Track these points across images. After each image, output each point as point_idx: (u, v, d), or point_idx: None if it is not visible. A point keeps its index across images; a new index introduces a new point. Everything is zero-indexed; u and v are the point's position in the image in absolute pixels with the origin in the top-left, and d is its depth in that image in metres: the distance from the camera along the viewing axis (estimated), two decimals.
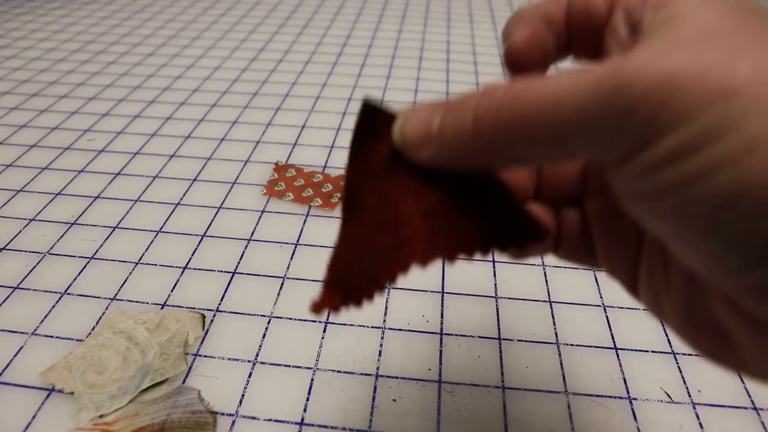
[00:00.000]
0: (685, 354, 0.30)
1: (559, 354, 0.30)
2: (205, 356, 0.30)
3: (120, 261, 0.36)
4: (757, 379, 0.13)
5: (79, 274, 0.35)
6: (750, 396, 0.28)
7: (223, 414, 0.27)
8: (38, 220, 0.39)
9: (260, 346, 0.30)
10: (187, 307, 0.33)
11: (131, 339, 0.30)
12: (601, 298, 0.34)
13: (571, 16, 0.16)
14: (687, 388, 0.28)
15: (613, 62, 0.11)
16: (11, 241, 0.37)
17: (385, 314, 0.32)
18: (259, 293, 0.34)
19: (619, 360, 0.30)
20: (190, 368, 0.29)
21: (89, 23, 0.75)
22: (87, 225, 0.39)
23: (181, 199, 0.42)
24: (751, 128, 0.10)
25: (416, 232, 0.16)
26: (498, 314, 0.32)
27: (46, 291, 0.33)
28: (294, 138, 0.50)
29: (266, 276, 0.35)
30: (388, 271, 0.15)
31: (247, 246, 0.37)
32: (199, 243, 0.37)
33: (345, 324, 0.32)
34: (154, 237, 0.38)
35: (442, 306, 0.33)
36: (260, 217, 0.40)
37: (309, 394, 0.28)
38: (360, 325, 0.32)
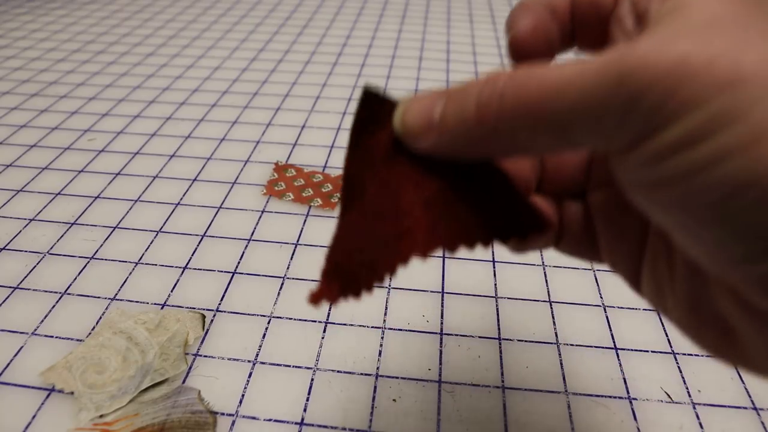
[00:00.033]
0: (685, 354, 0.30)
1: (559, 354, 0.30)
2: (205, 356, 0.30)
3: (120, 261, 0.36)
4: (760, 375, 0.13)
5: (79, 274, 0.35)
6: (750, 396, 0.28)
7: (223, 414, 0.27)
8: (38, 220, 0.39)
9: (260, 346, 0.30)
10: (187, 307, 0.33)
11: (131, 339, 0.30)
12: (601, 298, 0.34)
13: (575, 5, 0.16)
14: (687, 388, 0.28)
15: (618, 49, 0.11)
16: (11, 241, 0.37)
17: (385, 314, 0.32)
18: (259, 293, 0.34)
19: (619, 360, 0.30)
20: (190, 368, 0.29)
21: (89, 23, 0.75)
22: (87, 225, 0.39)
23: (181, 199, 0.42)
24: (759, 116, 0.10)
25: (417, 222, 0.15)
26: (498, 314, 0.32)
27: (46, 291, 0.33)
28: (294, 138, 0.50)
29: (266, 276, 0.35)
30: (388, 262, 0.15)
31: (247, 246, 0.37)
32: (199, 243, 0.37)
33: (345, 324, 0.32)
34: (154, 237, 0.38)
35: (442, 306, 0.33)
36: (260, 217, 0.40)
37: (309, 394, 0.28)
38: (360, 325, 0.32)
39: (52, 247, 0.37)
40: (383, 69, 0.63)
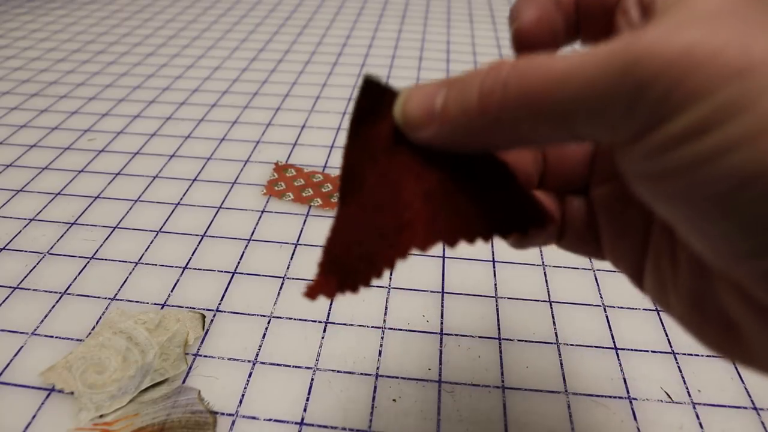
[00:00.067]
0: (685, 354, 0.30)
1: (559, 354, 0.30)
2: (205, 356, 0.30)
3: (120, 261, 0.36)
4: (764, 372, 0.13)
5: (79, 274, 0.35)
6: (750, 396, 0.28)
7: (223, 414, 0.27)
8: (38, 220, 0.39)
9: (260, 346, 0.30)
10: (187, 307, 0.33)
11: (131, 339, 0.30)
12: (601, 298, 0.34)
13: None
14: (687, 388, 0.28)
15: (624, 39, 0.11)
16: (11, 241, 0.37)
17: (385, 314, 0.32)
18: (259, 293, 0.34)
19: (619, 360, 0.30)
20: (190, 368, 0.29)
21: (89, 23, 0.75)
22: (87, 225, 0.39)
23: (181, 199, 0.42)
24: None
25: (417, 215, 0.15)
26: (498, 314, 0.32)
27: (46, 291, 0.33)
28: (294, 138, 0.50)
29: (266, 276, 0.35)
30: (387, 255, 0.14)
31: (247, 246, 0.37)
32: (199, 243, 0.37)
33: (345, 324, 0.32)
34: (154, 237, 0.38)
35: (442, 306, 0.33)
36: (260, 217, 0.40)
37: (309, 394, 0.28)
38: (360, 325, 0.32)
39: (52, 247, 0.37)
40: (383, 69, 0.63)
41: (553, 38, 0.16)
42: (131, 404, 0.27)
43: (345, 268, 0.14)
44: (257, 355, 0.30)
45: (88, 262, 0.36)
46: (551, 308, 0.33)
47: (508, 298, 0.34)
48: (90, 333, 0.31)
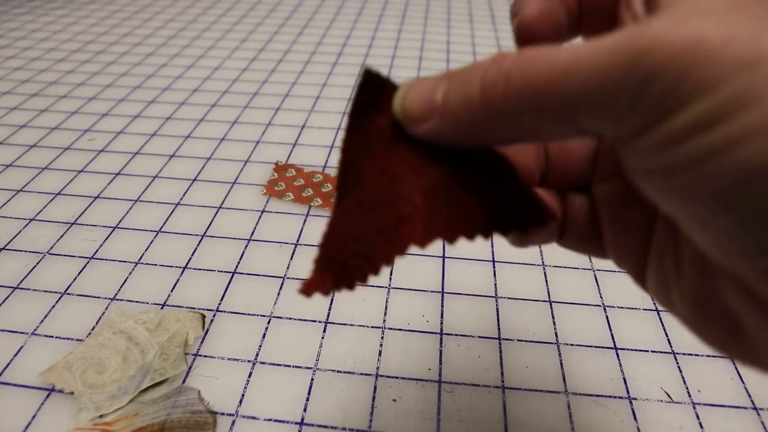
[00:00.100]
0: (685, 354, 0.30)
1: (559, 354, 0.30)
2: (205, 356, 0.30)
3: (120, 261, 0.36)
4: None
5: (79, 274, 0.35)
6: (750, 396, 0.28)
7: (223, 414, 0.27)
8: (38, 220, 0.39)
9: (260, 346, 0.30)
10: (187, 307, 0.33)
11: (131, 339, 0.30)
12: (601, 298, 0.34)
13: None
14: (687, 388, 0.28)
15: (629, 30, 0.11)
16: (11, 241, 0.37)
17: (385, 314, 0.32)
18: (259, 293, 0.34)
19: (619, 360, 0.30)
20: (190, 368, 0.29)
21: (89, 23, 0.75)
22: (87, 225, 0.39)
23: (181, 199, 0.42)
24: None
25: (417, 210, 0.14)
26: (498, 314, 0.32)
27: (46, 291, 0.33)
28: (294, 138, 0.50)
29: (266, 276, 0.35)
30: (386, 252, 0.14)
31: (247, 246, 0.37)
32: (199, 243, 0.37)
33: (345, 324, 0.32)
34: (154, 237, 0.38)
35: (442, 306, 0.33)
36: (260, 217, 0.40)
37: (309, 394, 0.28)
38: (360, 325, 0.32)
39: (52, 247, 0.37)
40: (383, 69, 0.63)
41: (557, 32, 0.16)
42: (131, 404, 0.27)
43: (341, 264, 0.14)
44: (257, 355, 0.30)
45: (88, 262, 0.36)
46: (551, 308, 0.33)
47: (508, 298, 0.34)
48: (90, 333, 0.31)
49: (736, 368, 0.30)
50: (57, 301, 0.33)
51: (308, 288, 0.14)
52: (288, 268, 0.36)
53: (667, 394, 0.28)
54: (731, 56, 0.09)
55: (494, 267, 0.36)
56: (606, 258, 0.18)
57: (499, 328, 0.32)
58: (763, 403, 0.28)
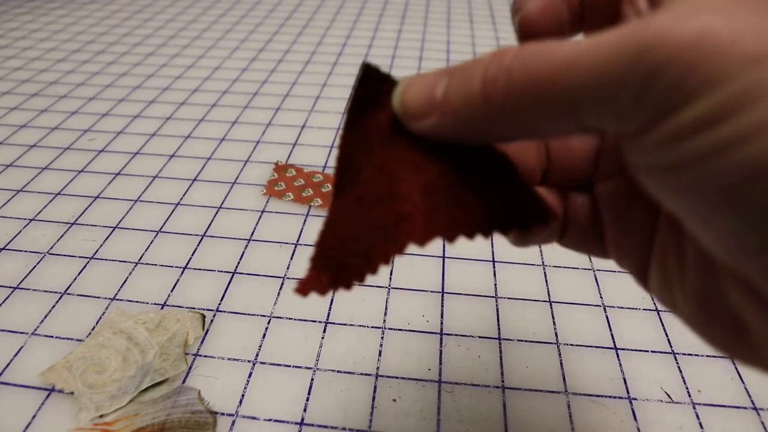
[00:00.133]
0: (685, 354, 0.30)
1: (559, 354, 0.30)
2: (205, 356, 0.30)
3: (120, 261, 0.36)
4: None
5: (79, 274, 0.35)
6: (750, 396, 0.28)
7: (223, 414, 0.27)
8: (38, 220, 0.39)
9: (260, 346, 0.30)
10: (187, 307, 0.33)
11: (131, 339, 0.30)
12: (601, 298, 0.34)
13: None
14: (687, 388, 0.28)
15: (633, 24, 0.10)
16: (11, 241, 0.37)
17: (385, 314, 0.32)
18: (259, 293, 0.34)
19: (619, 360, 0.30)
20: (190, 368, 0.29)
21: (89, 23, 0.75)
22: (87, 225, 0.39)
23: (181, 199, 0.42)
24: None
25: (416, 207, 0.14)
26: (498, 314, 0.32)
27: (46, 291, 0.33)
28: (294, 138, 0.50)
29: (266, 276, 0.35)
30: (384, 250, 0.14)
31: (247, 246, 0.37)
32: (199, 243, 0.37)
33: (345, 324, 0.32)
34: (154, 237, 0.38)
35: (442, 306, 0.33)
36: (260, 217, 0.40)
37: (309, 394, 0.28)
38: (360, 325, 0.32)
39: (52, 247, 0.37)
40: (383, 69, 0.63)
41: (559, 28, 0.16)
42: (131, 404, 0.27)
43: (338, 263, 0.14)
44: (257, 355, 0.30)
45: (88, 262, 0.36)
46: (551, 308, 0.33)
47: (508, 298, 0.34)
48: (90, 333, 0.31)
49: (736, 368, 0.30)
50: (57, 301, 0.33)
51: (304, 287, 0.13)
52: (288, 268, 0.36)
53: (667, 394, 0.28)
54: (738, 52, 0.09)
55: (494, 267, 0.36)
56: (607, 258, 0.18)
57: (499, 328, 0.32)
58: (763, 403, 0.28)
